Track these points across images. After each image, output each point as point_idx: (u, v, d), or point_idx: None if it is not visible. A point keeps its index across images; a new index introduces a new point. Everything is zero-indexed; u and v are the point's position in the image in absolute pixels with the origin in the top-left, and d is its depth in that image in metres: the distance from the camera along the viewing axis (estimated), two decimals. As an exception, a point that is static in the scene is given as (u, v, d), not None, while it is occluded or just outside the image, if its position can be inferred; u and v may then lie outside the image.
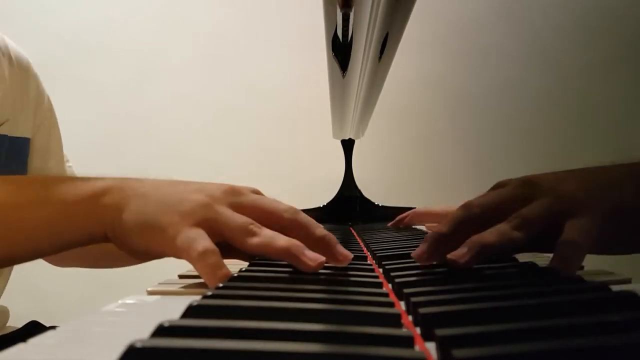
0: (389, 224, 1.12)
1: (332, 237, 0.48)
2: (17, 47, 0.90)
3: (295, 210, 0.50)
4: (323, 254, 0.46)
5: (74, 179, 0.53)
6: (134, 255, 0.51)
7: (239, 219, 0.47)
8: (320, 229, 0.48)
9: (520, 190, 0.49)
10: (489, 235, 0.44)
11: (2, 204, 0.50)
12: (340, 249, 0.47)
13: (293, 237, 0.46)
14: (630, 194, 0.46)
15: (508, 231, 0.45)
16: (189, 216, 0.46)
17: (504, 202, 0.48)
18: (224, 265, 0.44)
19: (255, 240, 0.46)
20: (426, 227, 1.16)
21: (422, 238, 0.80)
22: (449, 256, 0.44)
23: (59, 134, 0.95)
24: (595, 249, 0.46)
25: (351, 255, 0.47)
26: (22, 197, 0.52)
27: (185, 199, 0.48)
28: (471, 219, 0.47)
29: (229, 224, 0.47)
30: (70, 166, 0.97)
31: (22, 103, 0.87)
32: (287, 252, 0.45)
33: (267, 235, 0.46)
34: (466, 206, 0.49)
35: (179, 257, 0.46)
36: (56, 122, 0.95)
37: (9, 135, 0.84)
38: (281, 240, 0.46)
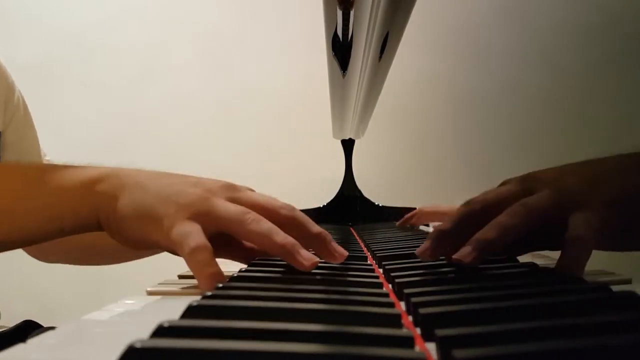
0: (397, 224, 1.12)
1: (328, 235, 0.48)
2: None
3: (292, 208, 0.50)
4: (319, 251, 0.47)
5: (69, 167, 0.53)
6: (127, 244, 0.50)
7: (236, 208, 0.47)
8: (316, 227, 0.49)
9: (521, 185, 0.49)
10: (489, 230, 0.44)
11: None
12: (336, 246, 0.48)
13: (289, 234, 0.46)
14: (633, 183, 0.46)
15: (506, 221, 0.45)
16: (185, 209, 0.46)
17: (506, 198, 0.48)
18: (214, 264, 0.44)
19: (254, 227, 0.46)
20: (432, 226, 1.16)
21: (423, 238, 0.80)
22: (453, 257, 0.44)
23: (35, 133, 0.93)
24: (604, 243, 0.45)
25: (346, 253, 0.48)
26: (15, 183, 0.52)
27: (182, 191, 0.48)
28: (473, 215, 0.47)
29: (226, 213, 0.46)
30: (48, 160, 0.94)
31: None
32: (283, 248, 0.45)
33: (266, 227, 0.46)
34: (468, 203, 0.49)
35: (171, 249, 0.46)
36: (31, 120, 0.93)
37: None
38: (280, 235, 0.46)
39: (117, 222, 0.48)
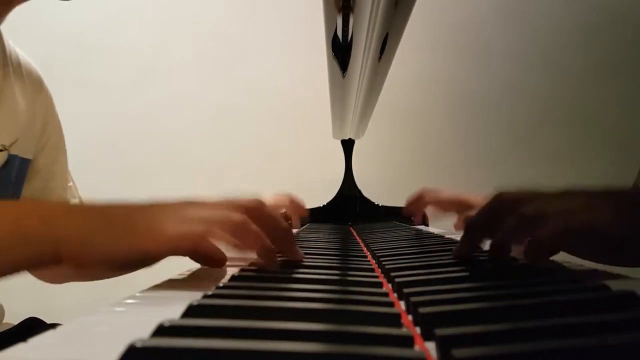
0: (404, 210, 1.07)
1: (292, 234, 0.51)
2: (27, 57, 0.86)
3: (260, 201, 0.50)
4: (281, 246, 0.50)
5: (24, 201, 0.50)
6: (107, 266, 0.45)
7: (220, 211, 0.46)
8: (284, 223, 0.51)
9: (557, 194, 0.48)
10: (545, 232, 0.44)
11: None
12: (296, 247, 0.51)
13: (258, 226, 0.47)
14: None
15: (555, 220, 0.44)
16: (174, 222, 0.44)
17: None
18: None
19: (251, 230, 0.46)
20: (430, 216, 1.12)
21: (423, 238, 0.80)
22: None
23: (65, 156, 0.92)
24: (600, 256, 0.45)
25: (303, 256, 0.51)
26: None
27: (156, 213, 0.45)
28: (502, 208, 0.48)
29: (220, 219, 0.45)
30: (70, 185, 0.94)
31: (30, 121, 0.82)
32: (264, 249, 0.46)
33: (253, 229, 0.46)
34: (498, 196, 0.50)
35: (172, 250, 0.43)
36: (64, 143, 0.91)
37: (20, 155, 0.79)
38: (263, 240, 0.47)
39: (91, 244, 0.43)
